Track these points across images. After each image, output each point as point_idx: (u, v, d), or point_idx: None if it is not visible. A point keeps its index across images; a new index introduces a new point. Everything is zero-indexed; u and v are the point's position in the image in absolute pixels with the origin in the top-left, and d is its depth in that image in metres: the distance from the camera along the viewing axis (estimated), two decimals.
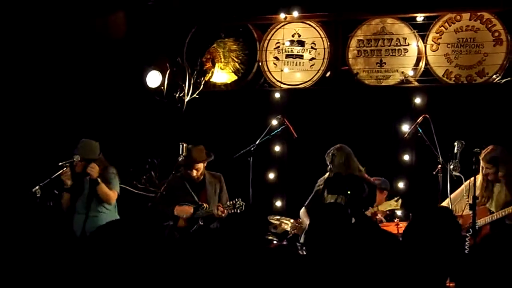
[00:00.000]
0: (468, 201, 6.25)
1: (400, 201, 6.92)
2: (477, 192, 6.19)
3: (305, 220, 7.01)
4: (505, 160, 6.29)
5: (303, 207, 7.12)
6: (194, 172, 7.22)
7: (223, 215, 6.98)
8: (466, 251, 5.87)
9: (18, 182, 7.71)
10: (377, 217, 7.35)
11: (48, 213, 6.93)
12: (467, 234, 6.09)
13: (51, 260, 2.16)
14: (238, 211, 6.93)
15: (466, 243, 6.05)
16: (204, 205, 7.14)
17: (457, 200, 6.47)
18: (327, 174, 6.96)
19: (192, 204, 7.19)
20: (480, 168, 6.31)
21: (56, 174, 6.92)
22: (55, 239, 2.38)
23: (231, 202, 7.04)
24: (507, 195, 6.25)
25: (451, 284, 3.31)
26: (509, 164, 6.29)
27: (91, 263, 1.75)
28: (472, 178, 6.25)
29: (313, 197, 7.03)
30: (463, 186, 6.44)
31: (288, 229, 7.34)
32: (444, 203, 6.54)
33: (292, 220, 7.38)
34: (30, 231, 2.42)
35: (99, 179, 6.93)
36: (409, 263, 3.01)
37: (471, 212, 6.11)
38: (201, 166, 7.24)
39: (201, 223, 7.14)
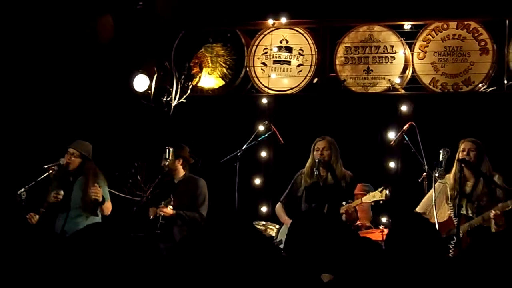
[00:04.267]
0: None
1: (384, 191, 6.78)
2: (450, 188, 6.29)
3: (282, 215, 7.03)
4: (484, 152, 6.38)
5: (279, 202, 7.13)
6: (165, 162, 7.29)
7: (162, 213, 7.10)
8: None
9: (3, 184, 7.68)
10: (362, 223, 7.38)
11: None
12: (451, 242, 6.10)
13: (32, 261, 2.16)
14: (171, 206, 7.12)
15: (450, 253, 6.06)
16: (162, 202, 7.20)
17: (431, 205, 6.48)
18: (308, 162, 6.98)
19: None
20: (456, 159, 6.34)
21: (42, 176, 6.90)
22: (39, 241, 2.37)
23: (168, 200, 7.15)
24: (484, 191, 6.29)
25: None
26: (486, 159, 6.38)
27: (68, 266, 1.75)
28: (437, 184, 6.29)
29: (289, 192, 7.07)
30: (432, 192, 6.44)
31: (274, 234, 7.35)
32: (421, 209, 6.56)
33: (277, 226, 7.39)
34: (14, 233, 2.42)
35: (104, 198, 6.96)
36: (392, 271, 3.02)
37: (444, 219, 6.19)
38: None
39: (162, 221, 7.17)
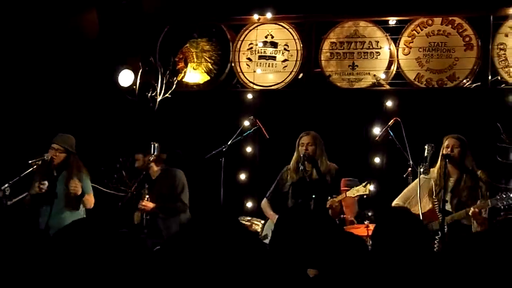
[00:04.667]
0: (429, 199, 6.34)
1: (368, 185, 6.78)
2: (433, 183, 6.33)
3: (268, 211, 7.05)
4: (468, 148, 6.41)
5: (265, 198, 7.14)
6: (136, 163, 7.48)
7: (143, 207, 7.17)
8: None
9: None
10: (347, 218, 7.39)
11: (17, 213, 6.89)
12: (436, 237, 6.14)
13: (16, 259, 2.15)
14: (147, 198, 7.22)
15: (435, 247, 6.09)
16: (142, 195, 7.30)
17: (411, 197, 6.50)
18: (294, 157, 7.00)
19: None
20: (440, 155, 6.37)
21: (26, 172, 6.86)
22: (23, 238, 2.36)
23: (143, 189, 7.26)
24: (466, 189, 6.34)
25: None
26: (470, 155, 6.41)
27: (53, 263, 1.74)
28: (421, 177, 6.32)
29: (275, 188, 7.08)
30: (415, 183, 6.47)
31: (259, 230, 7.35)
32: (400, 200, 6.58)
33: (262, 221, 7.40)
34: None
35: (84, 192, 6.93)
36: (379, 267, 3.03)
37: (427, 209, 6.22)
38: (139, 157, 7.43)
39: (146, 217, 7.21)
